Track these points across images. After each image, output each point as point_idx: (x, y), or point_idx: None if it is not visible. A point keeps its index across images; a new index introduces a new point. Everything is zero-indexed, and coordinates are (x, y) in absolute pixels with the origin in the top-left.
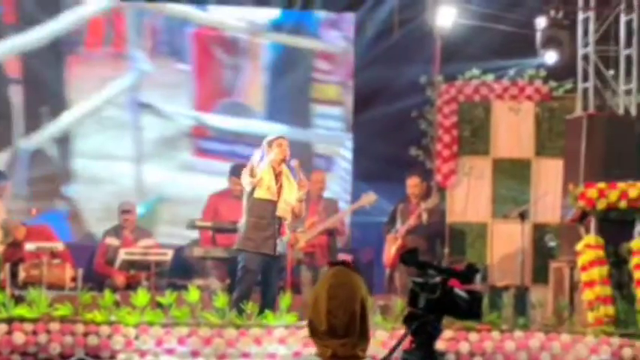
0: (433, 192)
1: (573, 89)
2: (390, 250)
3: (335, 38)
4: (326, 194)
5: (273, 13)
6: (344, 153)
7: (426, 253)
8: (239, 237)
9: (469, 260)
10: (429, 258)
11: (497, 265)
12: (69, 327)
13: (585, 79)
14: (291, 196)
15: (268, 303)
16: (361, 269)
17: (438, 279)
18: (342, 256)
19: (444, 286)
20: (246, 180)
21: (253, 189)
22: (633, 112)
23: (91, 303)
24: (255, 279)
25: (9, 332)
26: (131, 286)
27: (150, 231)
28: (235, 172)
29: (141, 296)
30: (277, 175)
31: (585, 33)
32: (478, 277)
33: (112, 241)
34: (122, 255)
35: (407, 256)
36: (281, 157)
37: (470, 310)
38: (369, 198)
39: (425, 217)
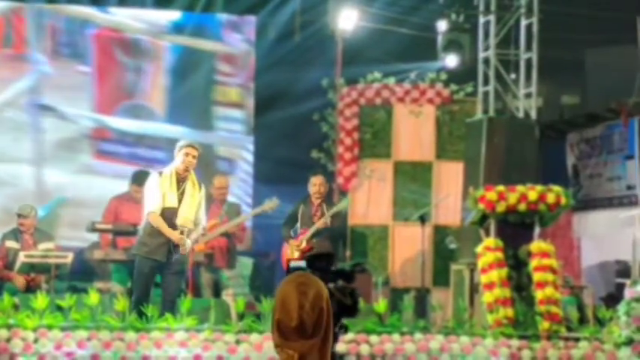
0: (337, 195)
1: (474, 92)
2: (293, 253)
3: (236, 41)
4: (228, 197)
5: (174, 15)
6: (245, 156)
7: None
8: (136, 241)
9: (369, 263)
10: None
11: (399, 267)
12: None
13: (486, 82)
14: (190, 208)
15: (165, 306)
16: (262, 272)
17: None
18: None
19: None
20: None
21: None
22: (533, 115)
23: None
24: (150, 282)
25: None
26: (31, 289)
27: (51, 234)
28: (136, 179)
29: (40, 299)
30: (180, 182)
31: (486, 36)
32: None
33: (11, 244)
34: (22, 258)
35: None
36: (183, 166)
37: (354, 306)
38: (271, 204)
39: (329, 219)
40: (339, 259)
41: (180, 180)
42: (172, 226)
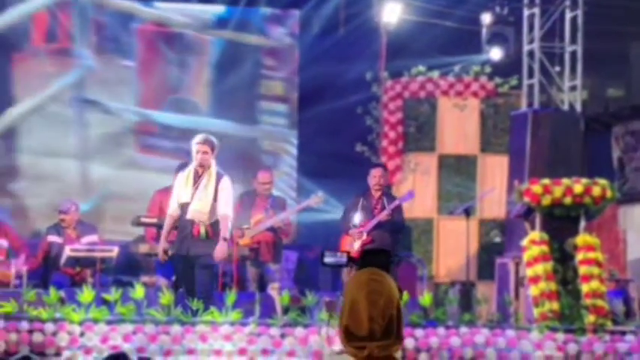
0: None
1: (518, 85)
2: (353, 245)
3: (280, 35)
4: (273, 191)
5: (218, 9)
6: (289, 149)
7: (391, 248)
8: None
9: (414, 256)
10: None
11: (443, 261)
12: (14, 324)
13: (530, 75)
14: (203, 200)
15: (203, 299)
16: (307, 266)
17: None
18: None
19: None
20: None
21: None
22: (578, 108)
23: (36, 300)
24: (190, 277)
25: None
26: (76, 283)
27: (94, 227)
28: (182, 170)
29: (86, 293)
30: (197, 177)
31: (530, 29)
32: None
33: (54, 238)
34: (67, 252)
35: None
36: (197, 163)
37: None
38: (316, 199)
39: (389, 212)
40: (400, 251)
41: (197, 175)
42: (185, 219)
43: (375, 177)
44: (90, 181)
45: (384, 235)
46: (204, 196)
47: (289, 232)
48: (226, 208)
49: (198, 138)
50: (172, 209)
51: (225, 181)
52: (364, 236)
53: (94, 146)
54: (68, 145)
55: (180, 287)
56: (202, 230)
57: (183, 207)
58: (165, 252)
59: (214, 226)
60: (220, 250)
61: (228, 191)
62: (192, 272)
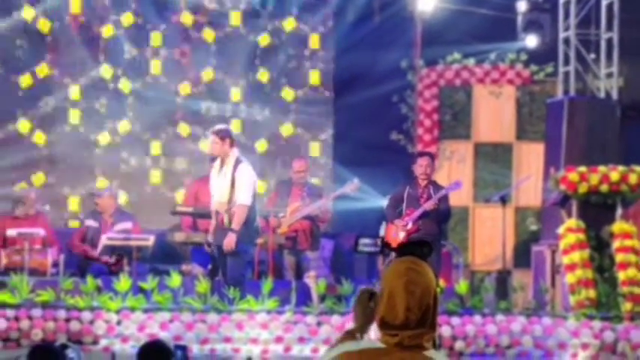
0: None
1: (554, 73)
2: (398, 234)
3: (315, 23)
4: (310, 179)
5: None
6: (325, 138)
7: (437, 237)
8: None
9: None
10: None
11: (479, 249)
12: (51, 313)
13: (566, 62)
14: (222, 189)
15: (233, 286)
16: (343, 254)
17: None
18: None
19: None
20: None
21: None
22: (614, 95)
23: (73, 288)
24: (217, 266)
25: None
26: (113, 271)
27: (131, 215)
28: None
29: (123, 281)
30: (221, 167)
31: (566, 16)
32: None
33: (90, 223)
34: (104, 240)
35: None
36: (212, 153)
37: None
38: (352, 186)
39: (436, 201)
40: (444, 240)
41: (220, 165)
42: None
43: (421, 166)
44: (128, 170)
45: (430, 225)
46: (223, 186)
47: (326, 219)
48: (242, 196)
49: (212, 129)
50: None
51: (243, 167)
52: (409, 226)
53: (132, 135)
54: (105, 134)
55: (217, 276)
56: (226, 219)
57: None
58: (209, 244)
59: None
60: (228, 242)
61: (246, 178)
62: (225, 261)
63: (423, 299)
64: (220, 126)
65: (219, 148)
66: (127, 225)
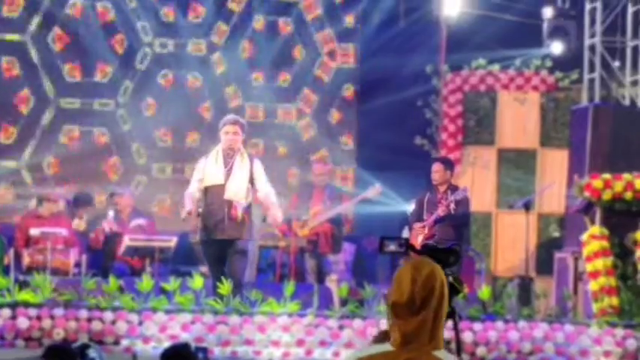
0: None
1: (579, 80)
2: (417, 239)
3: (340, 27)
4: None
5: None
6: (348, 142)
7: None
8: (196, 229)
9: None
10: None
11: (502, 255)
12: (73, 312)
13: (591, 69)
14: (239, 181)
15: (234, 288)
16: (365, 258)
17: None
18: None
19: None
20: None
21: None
22: (639, 103)
23: (95, 289)
24: (220, 264)
25: (13, 317)
26: (135, 272)
27: (144, 213)
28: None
29: (145, 282)
30: (228, 159)
31: (592, 23)
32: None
33: (110, 221)
34: (126, 241)
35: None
36: (226, 145)
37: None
38: (375, 190)
39: (453, 206)
40: (467, 246)
41: (228, 157)
42: (219, 202)
43: (432, 172)
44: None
45: (446, 230)
46: (240, 178)
47: (349, 221)
48: (267, 186)
49: (229, 119)
50: (193, 188)
51: (259, 163)
52: (426, 230)
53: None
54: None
55: (213, 273)
56: (239, 213)
57: (214, 188)
58: (190, 213)
59: (248, 209)
60: (278, 216)
61: (263, 173)
62: (225, 256)
63: (429, 280)
64: (237, 117)
65: (239, 140)
66: (141, 221)
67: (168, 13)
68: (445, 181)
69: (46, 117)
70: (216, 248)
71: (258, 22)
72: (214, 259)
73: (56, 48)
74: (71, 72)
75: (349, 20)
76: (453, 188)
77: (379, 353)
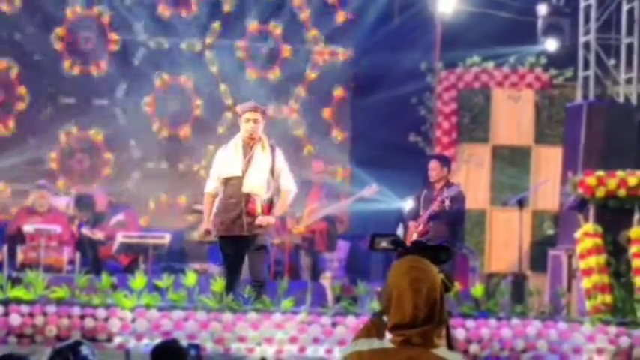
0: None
1: (573, 77)
2: (412, 236)
3: (334, 23)
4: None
5: None
6: (343, 139)
7: (448, 239)
8: (212, 223)
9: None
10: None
11: (495, 252)
12: (65, 309)
13: (586, 67)
14: (259, 173)
15: (253, 286)
16: (359, 256)
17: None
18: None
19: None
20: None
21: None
22: (633, 100)
23: (88, 285)
24: (239, 261)
25: (5, 314)
26: (129, 268)
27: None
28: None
29: (138, 279)
30: (248, 149)
31: (586, 21)
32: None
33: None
34: (120, 238)
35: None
36: (247, 134)
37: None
38: (371, 190)
39: (448, 203)
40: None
41: (248, 147)
42: (237, 195)
43: (429, 169)
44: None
45: (440, 227)
46: (261, 169)
47: (344, 220)
48: (289, 183)
49: (248, 105)
50: (211, 187)
51: (281, 153)
52: (420, 227)
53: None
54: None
55: (230, 275)
56: (258, 207)
57: (234, 181)
58: (208, 232)
59: (269, 203)
60: (267, 219)
61: (286, 165)
62: (243, 254)
63: (430, 295)
64: (254, 103)
65: (259, 128)
66: (120, 217)
67: (163, 12)
68: (442, 178)
69: (45, 113)
70: (233, 245)
71: (251, 20)
72: (231, 255)
73: (56, 47)
74: (69, 69)
75: (343, 17)
76: (450, 185)
77: (380, 349)
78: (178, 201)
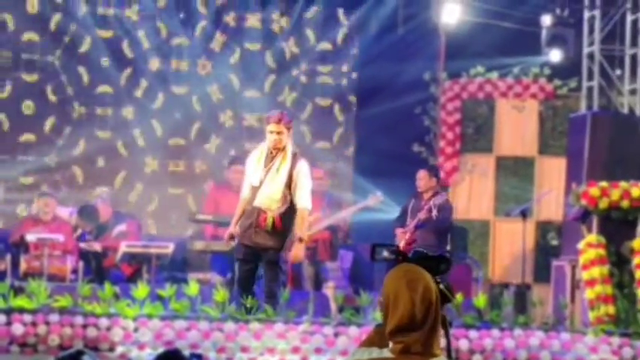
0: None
1: (578, 88)
2: (400, 244)
3: (338, 33)
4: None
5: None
6: (346, 149)
7: (435, 247)
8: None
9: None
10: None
11: (499, 262)
12: (68, 319)
13: (590, 77)
14: (273, 185)
15: (267, 298)
16: (363, 265)
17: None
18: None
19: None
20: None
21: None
22: (638, 111)
23: (91, 295)
24: (248, 269)
25: (8, 323)
26: (132, 278)
27: (129, 214)
28: (234, 161)
29: (141, 289)
30: (271, 158)
31: (591, 31)
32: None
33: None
34: (123, 248)
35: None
36: (271, 145)
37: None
38: (375, 199)
39: (435, 212)
40: (444, 251)
41: (270, 156)
42: (252, 205)
43: (417, 179)
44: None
45: (426, 235)
46: (276, 181)
47: (346, 229)
48: (304, 199)
49: (273, 117)
50: (245, 192)
51: (303, 165)
52: (407, 235)
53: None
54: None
55: (238, 282)
56: (269, 220)
57: (253, 191)
58: (232, 237)
59: (284, 217)
60: (296, 255)
61: (306, 178)
62: (254, 265)
63: (425, 294)
64: (282, 113)
65: (283, 140)
66: (122, 228)
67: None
68: (430, 188)
69: (49, 122)
70: (246, 253)
71: (254, 30)
72: (242, 263)
73: (63, 59)
74: (77, 80)
75: (347, 28)
76: (438, 195)
77: (378, 359)
78: (182, 211)
